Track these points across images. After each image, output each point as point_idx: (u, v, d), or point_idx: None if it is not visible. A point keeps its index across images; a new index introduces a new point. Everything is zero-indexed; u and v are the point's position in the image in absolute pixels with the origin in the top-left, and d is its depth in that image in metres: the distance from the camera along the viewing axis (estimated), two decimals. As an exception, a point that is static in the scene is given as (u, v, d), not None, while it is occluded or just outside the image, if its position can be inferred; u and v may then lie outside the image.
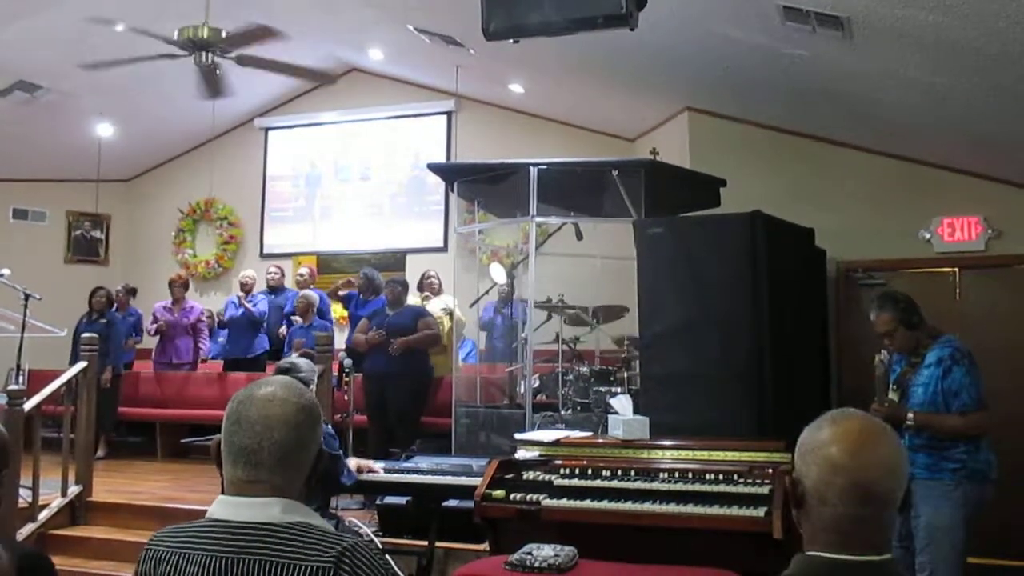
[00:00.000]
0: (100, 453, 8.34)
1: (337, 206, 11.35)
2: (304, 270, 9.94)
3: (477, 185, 7.35)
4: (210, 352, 9.96)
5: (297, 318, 8.86)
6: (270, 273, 9.84)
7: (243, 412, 1.72)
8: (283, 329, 9.19)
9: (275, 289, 9.73)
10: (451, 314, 8.22)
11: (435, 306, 8.43)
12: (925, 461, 4.15)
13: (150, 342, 9.83)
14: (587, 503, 4.21)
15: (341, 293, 9.22)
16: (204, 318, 9.78)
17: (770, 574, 1.57)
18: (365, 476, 4.86)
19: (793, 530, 1.66)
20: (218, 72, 8.11)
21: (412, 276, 9.35)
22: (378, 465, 5.04)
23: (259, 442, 1.69)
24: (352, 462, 4.87)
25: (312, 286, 9.58)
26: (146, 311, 9.79)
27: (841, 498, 1.50)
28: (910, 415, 4.16)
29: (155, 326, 9.49)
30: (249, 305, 9.24)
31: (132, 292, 9.89)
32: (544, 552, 3.81)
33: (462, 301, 8.36)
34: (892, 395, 4.34)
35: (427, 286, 8.82)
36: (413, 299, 8.37)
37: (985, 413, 4.15)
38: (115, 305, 9.26)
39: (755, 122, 7.58)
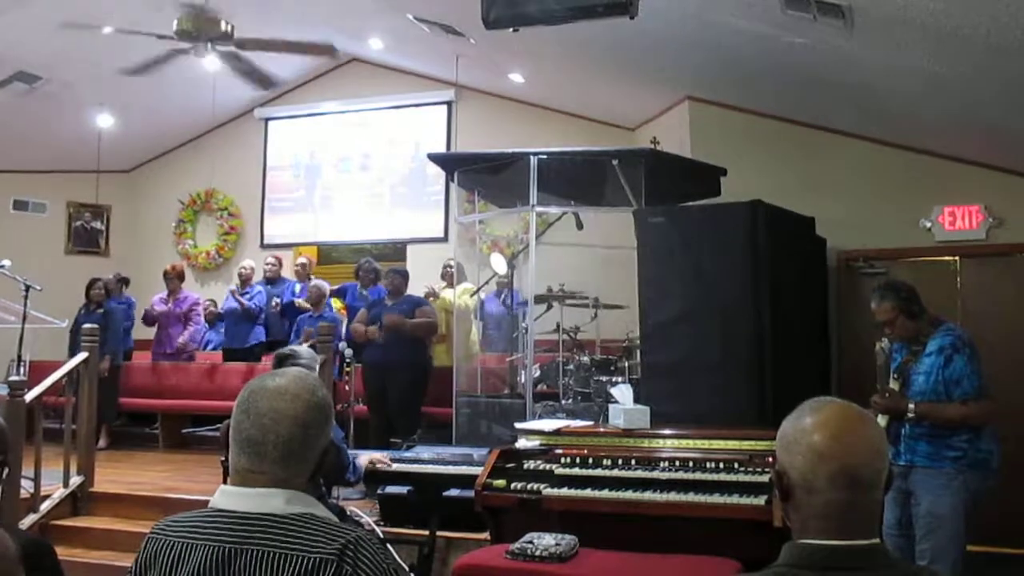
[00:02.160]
0: (101, 444, 8.35)
1: (337, 196, 11.34)
2: (303, 260, 9.93)
3: (477, 175, 7.34)
4: (194, 339, 9.85)
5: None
6: (268, 264, 9.83)
7: (253, 403, 1.71)
8: (276, 304, 9.19)
9: (272, 280, 9.71)
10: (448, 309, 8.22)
11: (449, 293, 8.48)
12: (926, 449, 4.15)
13: (150, 333, 9.83)
14: (588, 492, 4.22)
15: (335, 287, 9.23)
16: (197, 307, 9.75)
17: (770, 562, 1.57)
18: (382, 467, 4.87)
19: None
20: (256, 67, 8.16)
21: (412, 266, 9.36)
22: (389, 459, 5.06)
23: (264, 435, 1.68)
24: (364, 457, 4.86)
25: (313, 275, 9.58)
26: (146, 302, 9.78)
27: (829, 484, 1.51)
28: (911, 406, 4.16)
29: (150, 316, 9.49)
30: (243, 299, 9.21)
31: (124, 281, 9.87)
32: (545, 541, 3.82)
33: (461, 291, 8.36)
34: (893, 384, 4.33)
35: (445, 274, 8.80)
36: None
37: (987, 402, 4.14)
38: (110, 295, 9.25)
39: (756, 111, 7.57)
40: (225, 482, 1.77)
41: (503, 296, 8.09)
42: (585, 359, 6.77)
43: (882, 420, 4.16)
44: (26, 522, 5.72)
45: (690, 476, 4.17)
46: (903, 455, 4.19)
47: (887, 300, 4.32)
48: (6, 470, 2.02)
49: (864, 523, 1.52)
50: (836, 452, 1.52)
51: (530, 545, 3.80)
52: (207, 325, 10.10)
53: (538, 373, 6.92)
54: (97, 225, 11.95)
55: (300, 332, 8.45)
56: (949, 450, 4.12)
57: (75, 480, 6.35)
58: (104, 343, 8.30)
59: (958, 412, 4.11)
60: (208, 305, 10.07)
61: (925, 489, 4.12)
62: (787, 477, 1.57)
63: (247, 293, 9.33)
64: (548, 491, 4.26)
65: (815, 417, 1.56)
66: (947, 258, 6.98)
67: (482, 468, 4.48)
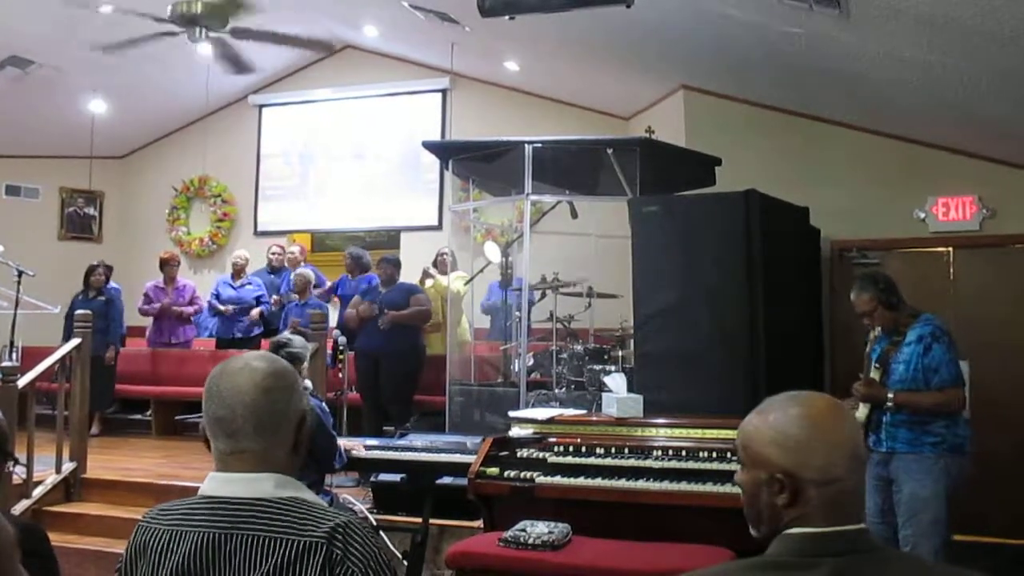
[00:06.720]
0: (94, 431, 8.33)
1: (331, 184, 11.30)
2: (295, 248, 9.90)
3: (472, 163, 7.33)
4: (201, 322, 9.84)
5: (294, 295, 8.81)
6: (273, 253, 9.79)
7: (215, 385, 1.74)
8: (276, 297, 9.18)
9: (276, 269, 9.68)
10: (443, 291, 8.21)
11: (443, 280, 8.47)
12: (907, 436, 4.29)
13: (141, 320, 9.78)
14: (581, 480, 4.23)
15: (328, 284, 9.20)
16: (198, 296, 9.70)
17: (762, 551, 1.57)
18: (357, 453, 4.90)
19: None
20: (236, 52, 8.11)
21: (405, 254, 9.34)
22: (359, 443, 5.08)
23: (232, 411, 1.70)
24: (341, 441, 4.88)
25: (306, 263, 9.54)
26: (138, 288, 9.74)
27: (847, 471, 1.50)
28: (890, 395, 4.28)
29: (152, 307, 9.41)
30: (264, 306, 9.14)
31: (109, 269, 9.84)
32: (538, 529, 3.83)
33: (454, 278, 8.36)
34: (875, 373, 4.46)
35: (439, 264, 8.81)
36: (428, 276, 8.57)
37: (962, 389, 4.31)
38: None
39: (751, 101, 7.56)
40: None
41: (510, 282, 8.03)
42: (579, 348, 6.78)
43: (864, 408, 4.36)
44: (18, 508, 5.72)
45: (683, 465, 4.18)
46: (884, 442, 4.36)
47: (866, 292, 4.48)
48: (10, 463, 2.03)
49: (858, 506, 1.53)
50: (845, 436, 1.52)
51: (523, 533, 3.81)
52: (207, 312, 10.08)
53: (531, 362, 6.93)
54: (90, 211, 11.91)
55: (288, 321, 8.42)
56: (929, 436, 4.26)
57: (68, 466, 6.35)
58: (106, 330, 8.36)
59: (933, 399, 4.27)
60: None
61: (907, 474, 4.26)
62: (797, 479, 1.50)
63: (248, 283, 9.30)
64: (541, 479, 4.26)
65: (806, 409, 1.55)
66: (940, 249, 7.00)
67: (475, 456, 4.48)
